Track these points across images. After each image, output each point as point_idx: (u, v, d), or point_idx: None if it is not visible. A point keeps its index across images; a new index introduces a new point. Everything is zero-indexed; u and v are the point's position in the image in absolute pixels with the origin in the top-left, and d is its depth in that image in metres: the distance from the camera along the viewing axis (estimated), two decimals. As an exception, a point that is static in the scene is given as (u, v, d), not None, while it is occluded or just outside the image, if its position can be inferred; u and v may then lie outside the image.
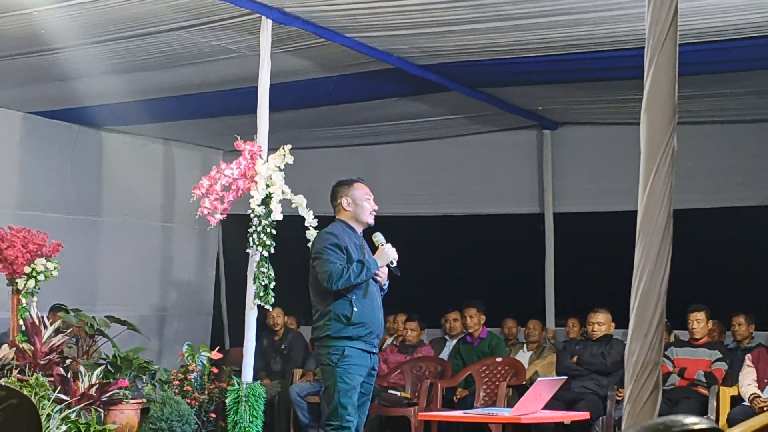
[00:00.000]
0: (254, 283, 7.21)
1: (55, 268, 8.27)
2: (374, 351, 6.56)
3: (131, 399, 7.73)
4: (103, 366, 8.04)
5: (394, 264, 6.61)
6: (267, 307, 7.31)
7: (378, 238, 6.72)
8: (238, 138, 7.34)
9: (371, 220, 6.68)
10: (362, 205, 6.64)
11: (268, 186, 7.21)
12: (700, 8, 6.79)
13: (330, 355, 6.39)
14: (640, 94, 3.78)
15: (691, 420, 1.76)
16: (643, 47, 3.77)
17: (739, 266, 10.23)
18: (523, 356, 10.15)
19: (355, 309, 6.37)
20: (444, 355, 10.32)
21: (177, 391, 8.10)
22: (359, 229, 6.68)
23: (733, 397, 8.66)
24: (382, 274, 6.62)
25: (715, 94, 9.15)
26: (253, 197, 7.20)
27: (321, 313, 6.49)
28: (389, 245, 6.65)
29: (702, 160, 10.15)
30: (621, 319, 8.21)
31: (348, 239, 6.52)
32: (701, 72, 8.17)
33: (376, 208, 6.70)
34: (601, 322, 9.20)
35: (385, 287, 6.73)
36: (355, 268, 6.36)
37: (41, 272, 8.17)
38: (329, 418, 6.38)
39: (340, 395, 6.33)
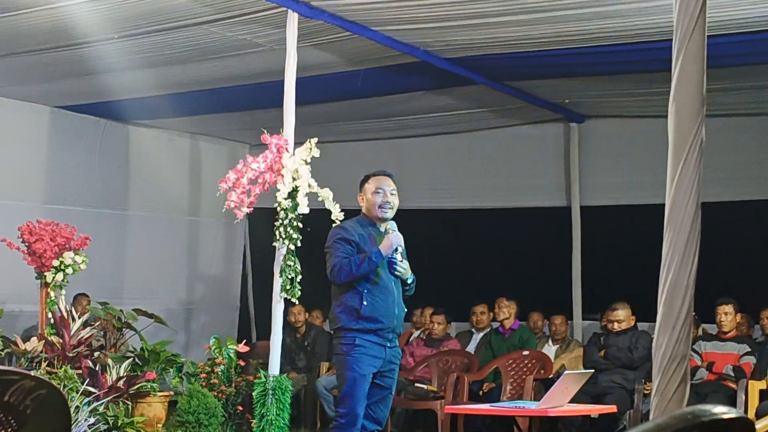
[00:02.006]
0: (281, 276, 7.21)
1: (83, 262, 8.32)
2: (389, 345, 6.41)
3: (159, 392, 7.77)
4: (131, 359, 8.09)
5: (400, 250, 6.42)
6: (293, 300, 7.31)
7: (389, 225, 6.48)
8: (265, 132, 7.34)
9: (380, 214, 6.43)
10: (369, 198, 6.47)
11: (294, 179, 7.21)
12: None
13: (341, 345, 6.35)
14: (668, 86, 3.75)
15: (719, 409, 1.75)
16: (671, 39, 3.74)
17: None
18: (549, 350, 10.13)
19: (365, 302, 6.27)
20: (470, 348, 10.31)
21: (204, 384, 8.12)
22: (379, 222, 6.51)
23: (761, 391, 8.60)
24: (401, 268, 6.44)
25: (744, 87, 9.09)
26: (279, 191, 7.20)
27: (335, 305, 6.48)
28: (396, 233, 6.41)
29: (731, 152, 10.08)
30: (649, 312, 8.17)
31: (362, 231, 6.41)
32: (730, 64, 8.11)
33: (387, 200, 6.43)
34: (620, 320, 9.17)
35: (410, 281, 6.55)
36: (356, 260, 6.26)
37: (69, 265, 8.23)
38: (337, 405, 6.42)
39: (348, 383, 6.28)
